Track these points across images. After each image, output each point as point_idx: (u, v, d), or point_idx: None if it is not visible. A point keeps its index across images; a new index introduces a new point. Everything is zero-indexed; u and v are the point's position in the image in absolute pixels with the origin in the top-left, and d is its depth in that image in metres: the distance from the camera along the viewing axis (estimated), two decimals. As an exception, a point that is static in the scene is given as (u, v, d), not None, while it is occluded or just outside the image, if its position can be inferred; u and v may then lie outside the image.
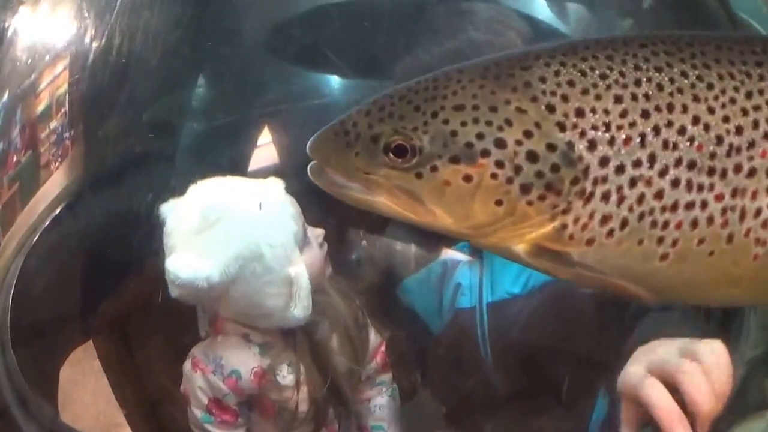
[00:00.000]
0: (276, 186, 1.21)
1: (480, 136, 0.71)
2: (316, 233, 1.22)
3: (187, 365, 1.26)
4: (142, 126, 1.47)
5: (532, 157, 0.71)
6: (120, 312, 1.55)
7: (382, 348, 1.31)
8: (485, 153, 0.71)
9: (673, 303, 0.97)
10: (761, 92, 0.73)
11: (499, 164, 0.71)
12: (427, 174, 0.72)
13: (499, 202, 0.72)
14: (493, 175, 0.72)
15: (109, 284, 1.50)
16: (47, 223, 1.43)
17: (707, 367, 0.80)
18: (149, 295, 1.50)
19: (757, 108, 0.73)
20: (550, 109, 0.72)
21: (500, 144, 0.71)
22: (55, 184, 1.44)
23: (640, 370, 0.84)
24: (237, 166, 1.35)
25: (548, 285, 1.22)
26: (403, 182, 0.73)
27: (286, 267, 1.16)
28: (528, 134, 0.71)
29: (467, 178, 0.72)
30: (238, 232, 1.16)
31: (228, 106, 1.49)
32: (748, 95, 0.73)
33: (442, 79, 0.73)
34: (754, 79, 0.73)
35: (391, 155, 0.72)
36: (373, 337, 1.30)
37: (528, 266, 0.77)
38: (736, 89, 0.73)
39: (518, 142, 0.71)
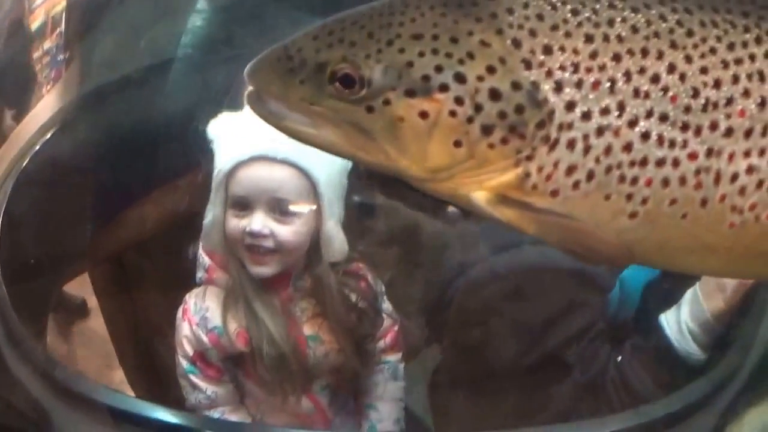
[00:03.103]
0: None
1: (438, 69, 0.67)
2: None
3: (179, 312, 1.24)
4: (137, 50, 1.44)
5: (494, 94, 0.67)
6: (116, 245, 1.52)
7: (395, 328, 1.28)
8: (443, 88, 0.67)
9: None
10: (745, 45, 0.68)
11: (459, 101, 0.67)
12: (379, 108, 0.67)
13: (457, 143, 0.68)
14: (452, 113, 0.67)
15: (104, 214, 1.47)
16: (38, 147, 1.41)
17: None
18: (147, 227, 1.48)
19: (738, 61, 0.68)
20: (516, 44, 0.67)
21: (460, 78, 0.67)
22: (46, 107, 1.42)
23: None
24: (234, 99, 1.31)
25: None
26: (351, 116, 0.68)
27: None
28: (491, 70, 0.67)
29: (423, 115, 0.67)
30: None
31: (230, 38, 1.45)
32: (730, 47, 0.68)
33: (400, 5, 0.68)
34: (738, 29, 0.68)
35: (337, 85, 0.67)
36: (387, 317, 1.28)
37: (487, 216, 0.72)
38: (718, 39, 0.68)
39: (480, 78, 0.67)
